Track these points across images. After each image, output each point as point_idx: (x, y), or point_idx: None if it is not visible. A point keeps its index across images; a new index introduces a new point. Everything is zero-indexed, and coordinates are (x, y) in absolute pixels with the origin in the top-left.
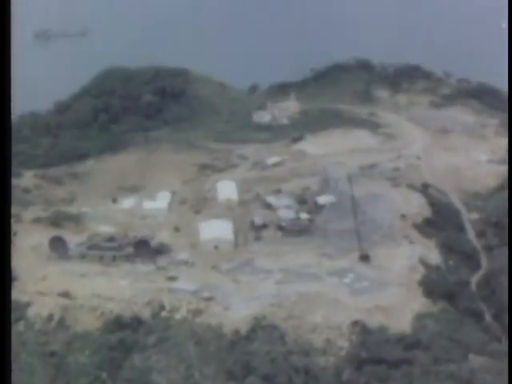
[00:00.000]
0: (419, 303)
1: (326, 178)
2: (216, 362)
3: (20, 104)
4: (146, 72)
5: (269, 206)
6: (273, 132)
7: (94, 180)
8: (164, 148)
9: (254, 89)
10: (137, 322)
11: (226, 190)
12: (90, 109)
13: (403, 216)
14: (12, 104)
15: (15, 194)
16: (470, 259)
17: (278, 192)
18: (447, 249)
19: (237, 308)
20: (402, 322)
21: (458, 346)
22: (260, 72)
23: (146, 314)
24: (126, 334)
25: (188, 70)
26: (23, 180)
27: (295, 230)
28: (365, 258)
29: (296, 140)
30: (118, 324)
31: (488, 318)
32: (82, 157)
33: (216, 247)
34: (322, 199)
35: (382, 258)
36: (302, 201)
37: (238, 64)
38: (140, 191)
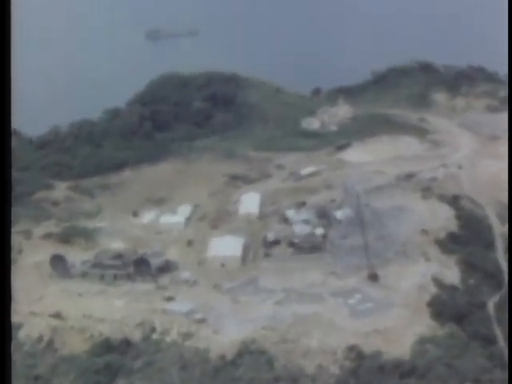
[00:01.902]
0: (424, 326)
1: (348, 190)
2: None
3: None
4: (199, 78)
5: (286, 221)
6: (320, 139)
7: (125, 192)
8: (204, 158)
9: (316, 92)
10: (125, 345)
11: (249, 203)
12: (137, 117)
13: (424, 231)
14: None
15: (44, 206)
16: (493, 278)
17: (301, 205)
18: (468, 267)
19: (227, 331)
20: (401, 347)
21: (456, 373)
22: (324, 75)
23: (136, 336)
24: (113, 357)
25: (239, 76)
26: (54, 192)
27: (307, 247)
28: (373, 276)
29: (341, 148)
30: (106, 347)
31: (500, 342)
32: (118, 167)
33: (223, 265)
34: (340, 213)
35: (391, 277)
36: (323, 214)
37: (301, 68)
38: (166, 204)
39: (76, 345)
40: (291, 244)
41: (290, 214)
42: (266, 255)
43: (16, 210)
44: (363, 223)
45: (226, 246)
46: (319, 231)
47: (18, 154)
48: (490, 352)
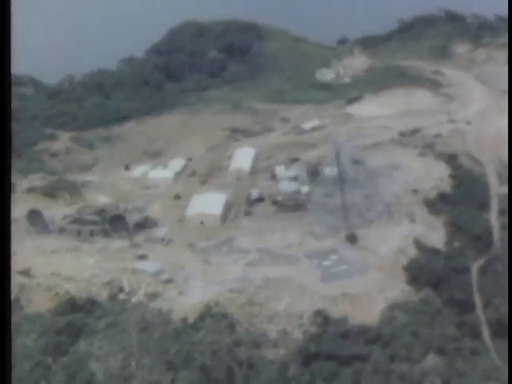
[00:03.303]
0: (398, 291)
1: (337, 147)
2: (158, 352)
3: None
4: (217, 27)
5: (275, 177)
6: (332, 91)
7: (125, 144)
8: (210, 109)
9: (342, 42)
10: (91, 305)
11: (242, 158)
12: (150, 66)
13: (415, 190)
14: None
15: (42, 157)
16: (480, 241)
17: (294, 161)
18: (456, 228)
19: (193, 293)
20: (369, 313)
21: (421, 342)
22: (351, 25)
23: (103, 295)
24: (76, 317)
25: (258, 25)
26: (56, 143)
27: (290, 205)
28: (351, 238)
29: (352, 101)
30: (70, 306)
31: (478, 310)
32: (123, 118)
33: (202, 223)
34: (328, 170)
35: (371, 239)
36: (313, 171)
37: (327, 17)
38: (161, 157)
39: (41, 303)
40: (275, 202)
41: (279, 170)
42: (247, 213)
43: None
44: (342, 182)
45: (207, 204)
46: (305, 189)
47: (30, 103)
48: (462, 320)
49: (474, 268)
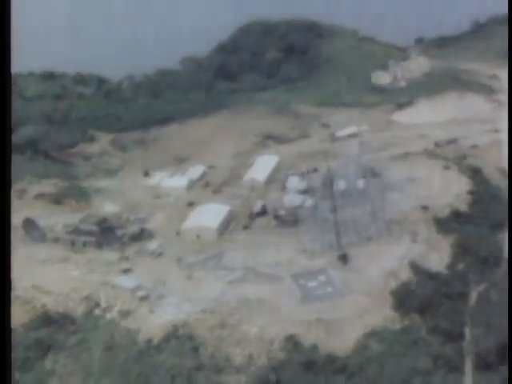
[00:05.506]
0: (380, 317)
1: (352, 159)
2: (119, 374)
3: None
4: (281, 27)
5: (284, 189)
6: (385, 95)
7: (158, 148)
8: (255, 111)
9: (419, 41)
10: (65, 320)
11: (261, 167)
12: (207, 66)
13: (424, 207)
14: None
15: (74, 160)
16: (485, 264)
17: (312, 171)
18: (463, 250)
19: (164, 312)
20: (344, 341)
21: (387, 374)
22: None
23: (79, 311)
24: (47, 332)
25: (321, 25)
26: (93, 146)
27: (289, 220)
28: (343, 258)
29: (402, 106)
30: (44, 321)
31: (467, 338)
32: (166, 120)
33: (198, 236)
34: (338, 184)
35: (365, 259)
36: (327, 184)
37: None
38: (186, 163)
39: (17, 317)
40: (276, 216)
41: (291, 181)
42: (246, 227)
43: (31, 166)
44: (334, 197)
45: (207, 216)
46: (309, 203)
47: (85, 103)
48: (441, 351)
49: (473, 294)
